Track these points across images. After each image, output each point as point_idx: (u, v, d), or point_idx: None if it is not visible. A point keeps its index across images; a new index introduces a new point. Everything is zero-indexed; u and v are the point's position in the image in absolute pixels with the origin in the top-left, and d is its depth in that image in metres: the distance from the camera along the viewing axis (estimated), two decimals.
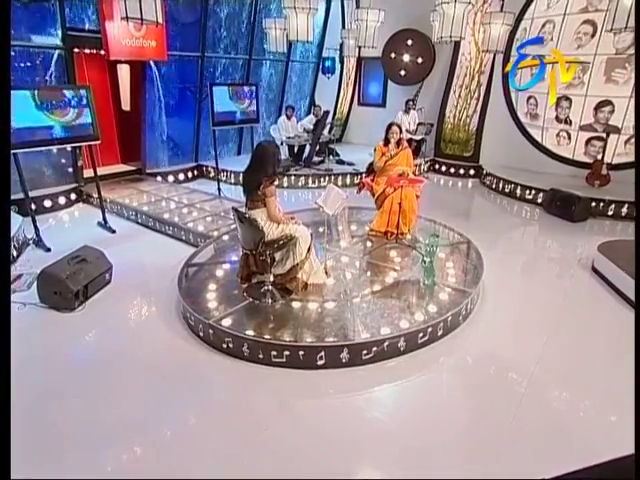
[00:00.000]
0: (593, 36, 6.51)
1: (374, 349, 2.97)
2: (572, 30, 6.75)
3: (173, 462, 2.24)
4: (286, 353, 2.91)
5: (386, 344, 2.99)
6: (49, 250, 4.75)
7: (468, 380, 2.94)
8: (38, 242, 4.88)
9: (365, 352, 2.96)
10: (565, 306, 3.98)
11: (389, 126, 4.75)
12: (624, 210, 6.23)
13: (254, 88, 7.13)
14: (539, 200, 6.85)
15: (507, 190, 7.44)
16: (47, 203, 6.03)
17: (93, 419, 2.52)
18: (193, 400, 2.69)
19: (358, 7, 8.62)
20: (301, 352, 2.90)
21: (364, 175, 5.40)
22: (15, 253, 4.54)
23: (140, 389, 2.79)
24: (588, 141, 7.16)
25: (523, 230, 6.33)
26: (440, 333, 3.28)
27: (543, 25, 7.15)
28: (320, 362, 2.92)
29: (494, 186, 7.76)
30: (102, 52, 6.09)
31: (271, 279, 3.51)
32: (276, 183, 3.39)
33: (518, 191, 7.22)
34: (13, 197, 5.55)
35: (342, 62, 10.42)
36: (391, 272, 4.02)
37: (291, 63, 9.55)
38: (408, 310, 3.37)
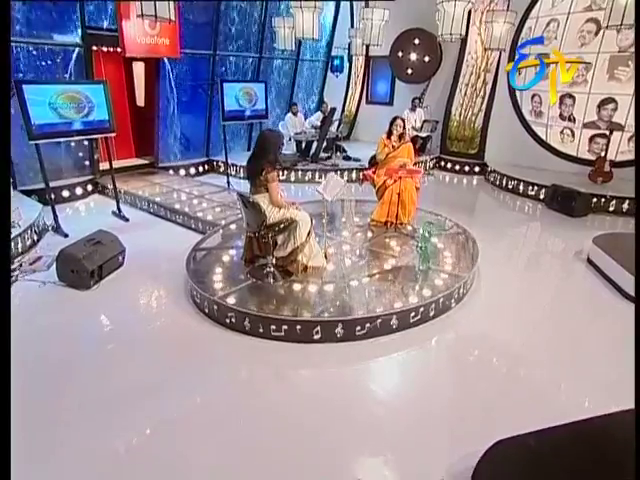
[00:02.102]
0: (596, 34, 6.60)
1: (367, 325, 3.15)
2: (576, 28, 6.84)
3: (176, 424, 2.44)
4: (284, 327, 3.11)
5: (379, 321, 3.17)
6: (67, 236, 5.03)
7: (456, 356, 3.11)
8: (57, 228, 5.18)
9: (359, 328, 3.14)
10: (558, 294, 4.12)
11: (394, 119, 4.94)
12: (625, 206, 6.30)
13: (263, 85, 7.36)
14: (541, 196, 6.95)
15: (510, 186, 7.56)
16: (65, 193, 6.34)
17: (104, 385, 2.75)
18: (197, 368, 2.91)
19: (367, 6, 8.81)
20: (298, 326, 3.10)
21: (363, 166, 5.59)
22: (35, 238, 4.84)
23: (147, 358, 3.02)
24: (592, 138, 7.24)
25: (523, 224, 6.44)
26: (432, 314, 3.45)
27: (548, 24, 7.25)
28: (316, 336, 3.11)
29: (498, 183, 7.88)
30: (118, 49, 6.39)
31: (273, 261, 3.72)
32: (280, 173, 3.59)
33: (521, 187, 7.34)
34: (34, 187, 5.91)
35: (350, 61, 10.62)
36: (389, 258, 4.20)
37: (300, 62, 9.78)
38: (402, 292, 3.55)
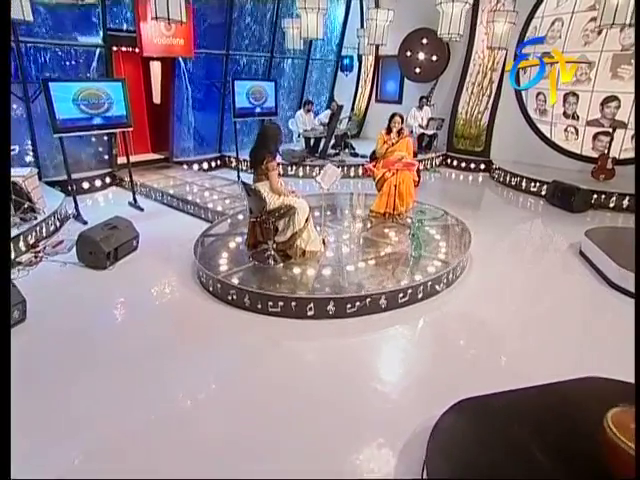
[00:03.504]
0: (600, 33, 6.68)
1: (357, 304, 3.40)
2: (580, 27, 6.95)
3: (178, 386, 2.73)
4: (280, 304, 3.39)
5: (368, 300, 3.42)
6: (86, 223, 5.39)
7: (439, 333, 3.36)
8: (77, 216, 5.57)
9: (349, 306, 3.40)
10: (546, 282, 4.29)
11: (392, 116, 5.17)
12: (625, 202, 6.39)
13: (273, 84, 7.66)
14: (543, 192, 7.07)
15: (514, 183, 7.69)
16: (85, 185, 6.75)
17: (116, 350, 3.07)
18: (199, 338, 3.22)
19: (377, 6, 9.05)
20: (293, 303, 3.37)
21: (367, 161, 5.84)
22: (58, 224, 5.24)
23: (155, 328, 3.33)
24: (595, 136, 7.32)
25: (523, 219, 6.58)
26: (420, 296, 3.68)
27: (552, 23, 7.36)
28: (310, 312, 3.38)
29: (502, 179, 8.02)
30: (137, 50, 6.76)
31: (274, 246, 4.00)
32: (286, 167, 3.88)
33: (524, 184, 7.47)
34: (57, 178, 6.33)
35: (360, 60, 10.86)
36: (384, 246, 4.44)
37: (311, 61, 10.05)
38: (393, 276, 3.79)
